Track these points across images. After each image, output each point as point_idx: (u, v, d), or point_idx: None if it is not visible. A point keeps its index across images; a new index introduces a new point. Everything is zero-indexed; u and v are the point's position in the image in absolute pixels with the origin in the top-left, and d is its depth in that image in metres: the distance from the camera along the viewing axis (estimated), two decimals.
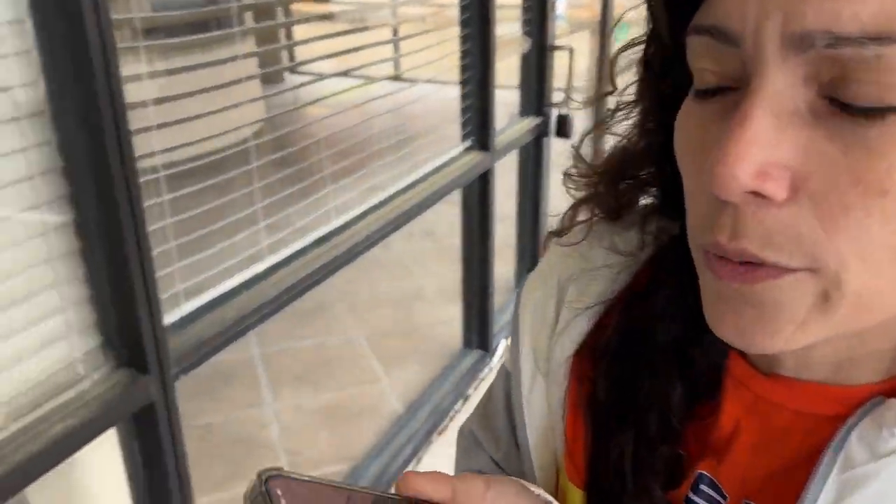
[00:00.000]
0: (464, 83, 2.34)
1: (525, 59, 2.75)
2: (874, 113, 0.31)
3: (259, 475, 0.31)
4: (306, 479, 0.33)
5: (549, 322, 0.53)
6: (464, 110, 2.38)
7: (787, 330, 0.36)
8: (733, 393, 0.46)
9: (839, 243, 0.33)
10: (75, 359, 1.19)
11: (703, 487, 0.46)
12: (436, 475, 0.38)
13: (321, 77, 1.97)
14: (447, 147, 2.35)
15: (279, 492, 0.31)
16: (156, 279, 1.21)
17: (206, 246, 1.43)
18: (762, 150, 0.32)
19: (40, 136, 1.11)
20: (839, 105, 0.32)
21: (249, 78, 1.73)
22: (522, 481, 0.43)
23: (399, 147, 2.16)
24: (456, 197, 2.46)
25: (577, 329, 0.51)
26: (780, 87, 0.33)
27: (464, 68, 2.32)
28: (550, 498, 0.44)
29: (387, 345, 3.06)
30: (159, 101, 1.25)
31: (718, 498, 0.45)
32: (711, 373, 0.47)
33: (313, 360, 2.96)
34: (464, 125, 2.40)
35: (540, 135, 2.85)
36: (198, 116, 1.39)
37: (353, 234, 1.85)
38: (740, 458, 0.45)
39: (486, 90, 2.33)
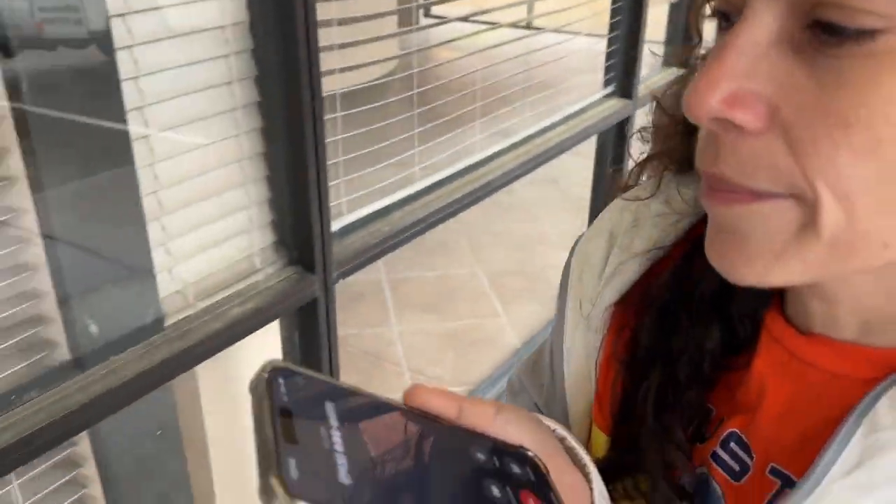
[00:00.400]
0: (613, 27, 2.33)
1: (674, 8, 2.69)
2: (851, 39, 0.31)
3: (264, 365, 0.32)
4: (310, 374, 0.33)
5: (597, 267, 0.54)
6: (608, 55, 2.37)
7: (763, 259, 0.36)
8: (767, 348, 0.45)
9: (811, 175, 0.33)
10: (253, 252, 1.32)
11: (732, 445, 0.46)
12: (445, 392, 0.37)
13: (447, 21, 2.03)
14: (575, 97, 2.35)
15: (281, 380, 0.31)
16: (328, 188, 1.31)
17: (368, 164, 1.53)
18: (734, 80, 0.34)
19: (241, 45, 1.21)
20: (819, 36, 0.32)
21: (397, 12, 1.80)
22: (539, 415, 0.42)
23: (528, 93, 2.18)
24: (582, 148, 2.46)
25: (626, 273, 0.51)
26: (764, 20, 0.33)
27: (614, 12, 2.31)
28: (566, 433, 0.42)
29: (507, 283, 3.13)
30: (343, 21, 1.34)
31: (745, 457, 0.45)
32: (749, 325, 0.47)
33: (436, 290, 3.07)
34: (607, 70, 2.39)
35: None
36: (370, 40, 1.47)
37: (494, 168, 1.90)
38: (770, 419, 0.44)
39: (635, 34, 2.30)
